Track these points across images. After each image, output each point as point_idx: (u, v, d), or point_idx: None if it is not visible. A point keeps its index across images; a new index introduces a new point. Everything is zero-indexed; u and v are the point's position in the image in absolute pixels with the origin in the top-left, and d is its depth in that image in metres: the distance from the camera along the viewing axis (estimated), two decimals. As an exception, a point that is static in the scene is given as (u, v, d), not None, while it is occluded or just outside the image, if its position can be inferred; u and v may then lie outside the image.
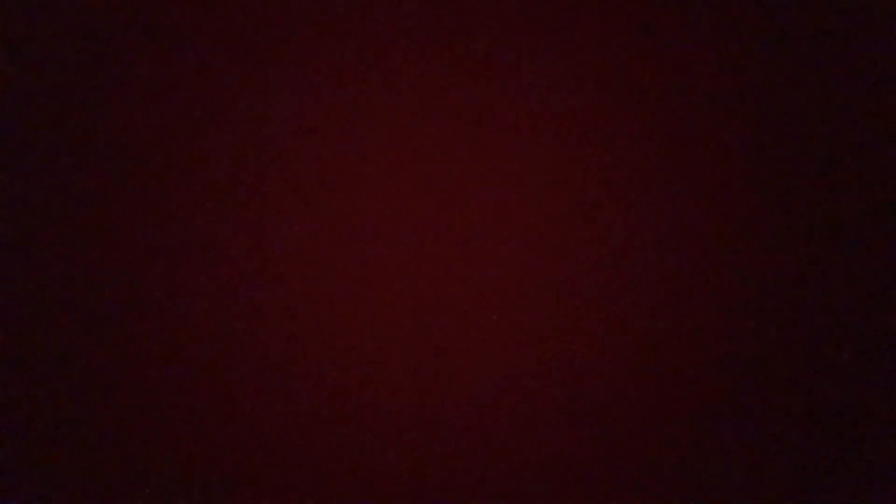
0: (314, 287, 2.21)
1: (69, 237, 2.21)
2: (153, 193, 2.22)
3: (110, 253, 2.21)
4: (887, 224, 2.24)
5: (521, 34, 2.24)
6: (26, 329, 2.20)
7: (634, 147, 2.24)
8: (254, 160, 2.22)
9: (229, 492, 2.19)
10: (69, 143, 2.22)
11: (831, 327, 2.22)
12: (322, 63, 2.24)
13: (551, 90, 2.24)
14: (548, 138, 2.24)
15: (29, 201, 2.21)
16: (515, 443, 2.20)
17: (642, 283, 2.22)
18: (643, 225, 2.23)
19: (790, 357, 2.22)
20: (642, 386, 2.21)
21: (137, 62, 2.23)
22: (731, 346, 2.22)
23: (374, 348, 2.21)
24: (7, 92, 2.22)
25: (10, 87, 2.21)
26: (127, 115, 2.23)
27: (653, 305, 2.22)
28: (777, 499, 2.21)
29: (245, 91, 2.23)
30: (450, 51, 2.24)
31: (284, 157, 2.23)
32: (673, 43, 2.25)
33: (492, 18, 2.24)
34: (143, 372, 2.20)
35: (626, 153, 2.24)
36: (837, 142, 2.25)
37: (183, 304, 2.20)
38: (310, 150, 2.23)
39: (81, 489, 2.19)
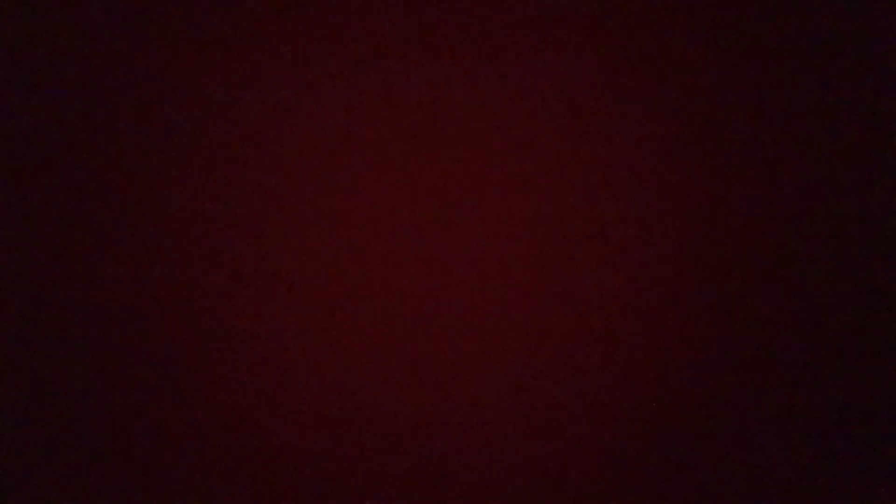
0: (315, 287, 2.21)
1: (69, 237, 2.21)
2: (153, 193, 2.22)
3: (110, 253, 2.21)
4: (887, 224, 2.24)
5: (521, 34, 2.24)
6: (26, 329, 2.20)
7: (635, 147, 2.24)
8: (256, 160, 2.22)
9: (230, 491, 2.19)
10: (69, 143, 2.22)
11: (831, 327, 2.23)
12: (324, 63, 2.24)
13: (552, 90, 2.24)
14: (548, 139, 2.24)
15: (29, 201, 2.21)
16: (515, 443, 2.20)
17: (642, 284, 2.22)
18: (643, 225, 2.23)
19: (790, 357, 2.22)
20: (642, 386, 2.21)
21: (138, 62, 2.23)
22: (731, 346, 2.22)
23: (374, 348, 2.21)
24: (7, 92, 2.22)
25: (10, 87, 2.21)
26: (127, 116, 2.23)
27: (653, 306, 2.22)
28: (777, 499, 2.21)
29: (246, 91, 2.23)
30: (451, 51, 2.24)
31: (286, 157, 2.23)
32: (674, 43, 2.25)
33: (492, 19, 2.24)
34: (142, 372, 2.20)
35: (626, 153, 2.24)
36: (837, 142, 2.25)
37: (183, 304, 2.20)
38: (311, 150, 2.23)
39: (82, 489, 2.19)
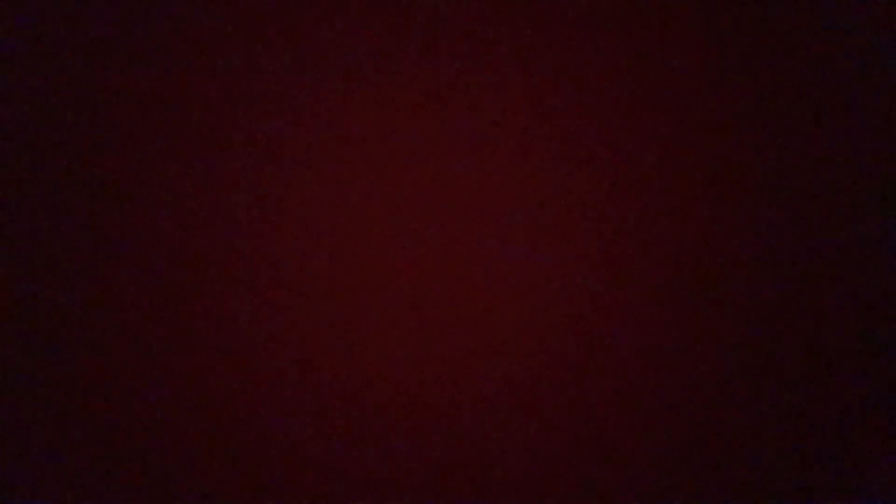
0: (315, 287, 2.22)
1: (70, 237, 2.21)
2: (153, 193, 2.22)
3: (110, 253, 2.21)
4: (887, 224, 2.24)
5: (522, 34, 2.24)
6: (27, 329, 2.20)
7: (635, 147, 2.24)
8: (255, 160, 2.23)
9: (230, 492, 2.19)
10: (70, 143, 2.22)
11: (831, 327, 2.23)
12: (324, 63, 2.24)
13: (552, 91, 2.24)
14: (548, 139, 2.24)
15: (29, 201, 2.21)
16: (515, 442, 2.20)
17: (642, 284, 2.22)
18: (643, 225, 2.23)
19: (790, 357, 2.22)
20: (642, 386, 2.21)
21: (138, 62, 2.23)
22: (731, 346, 2.22)
23: (374, 348, 2.21)
24: (7, 92, 2.22)
25: (10, 87, 2.22)
26: (127, 116, 2.23)
27: (653, 306, 2.22)
28: (777, 499, 2.21)
29: (246, 91, 2.23)
30: (451, 51, 2.24)
31: (286, 157, 2.23)
32: (674, 43, 2.25)
33: (492, 19, 2.24)
34: (143, 372, 2.20)
35: (626, 153, 2.24)
36: (837, 142, 2.25)
37: (183, 304, 2.20)
38: (311, 150, 2.23)
39: (82, 489, 2.19)
